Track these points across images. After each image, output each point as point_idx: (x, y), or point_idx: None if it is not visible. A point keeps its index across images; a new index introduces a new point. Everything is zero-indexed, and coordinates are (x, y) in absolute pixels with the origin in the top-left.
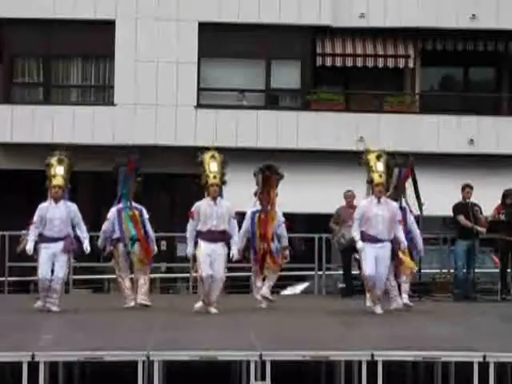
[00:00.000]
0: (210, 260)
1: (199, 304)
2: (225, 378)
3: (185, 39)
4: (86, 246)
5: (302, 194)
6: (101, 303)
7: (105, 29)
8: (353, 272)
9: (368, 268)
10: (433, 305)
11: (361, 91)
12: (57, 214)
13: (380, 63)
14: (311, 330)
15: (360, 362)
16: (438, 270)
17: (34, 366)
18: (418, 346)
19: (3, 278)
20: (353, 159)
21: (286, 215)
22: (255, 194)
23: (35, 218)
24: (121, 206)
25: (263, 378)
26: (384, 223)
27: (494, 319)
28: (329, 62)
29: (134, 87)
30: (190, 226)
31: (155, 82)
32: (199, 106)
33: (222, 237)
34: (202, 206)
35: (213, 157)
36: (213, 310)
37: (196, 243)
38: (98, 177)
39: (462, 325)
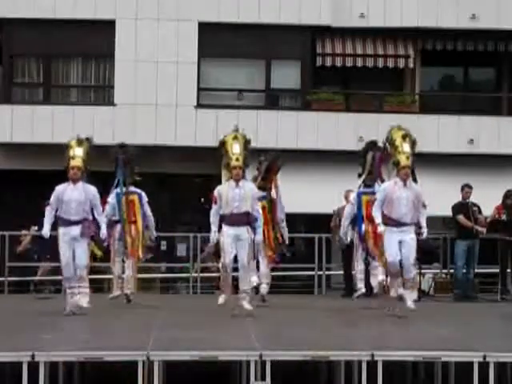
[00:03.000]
0: (235, 245)
1: (222, 297)
2: (225, 378)
3: (185, 39)
4: (103, 231)
5: (302, 194)
6: (101, 303)
7: (105, 29)
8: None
9: (390, 255)
10: (433, 305)
11: (361, 91)
12: (74, 195)
13: (380, 63)
14: (311, 330)
15: (360, 362)
16: (438, 270)
17: (33, 366)
18: (418, 346)
19: (3, 278)
20: (353, 159)
21: (286, 215)
22: (255, 180)
23: (51, 199)
24: (119, 190)
25: (263, 378)
26: (408, 206)
27: (494, 319)
28: (329, 62)
29: (134, 87)
30: (212, 211)
31: (155, 82)
32: (199, 105)
33: (246, 219)
34: (224, 189)
35: (235, 138)
36: (246, 304)
37: (220, 228)
38: (98, 177)
39: (462, 325)
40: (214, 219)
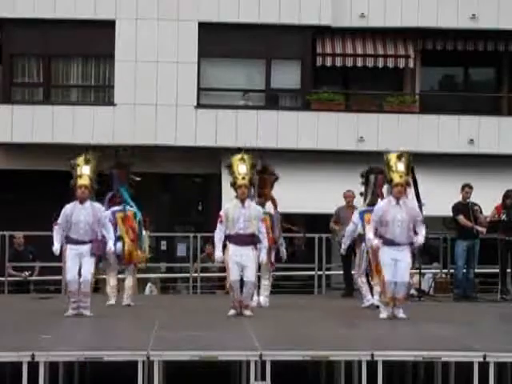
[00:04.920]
0: (241, 265)
1: (232, 311)
2: (225, 378)
3: (185, 39)
4: (110, 247)
5: (302, 194)
6: (100, 303)
7: (105, 29)
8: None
9: (387, 274)
10: (433, 305)
11: (361, 91)
12: (82, 216)
13: (380, 63)
14: (311, 330)
15: (360, 362)
16: (438, 270)
17: (34, 366)
18: (418, 346)
19: (3, 278)
20: (353, 159)
21: (286, 215)
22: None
23: (60, 220)
24: (116, 208)
25: (263, 378)
26: (402, 227)
27: (494, 319)
28: (329, 61)
29: (134, 87)
30: (218, 230)
31: (155, 82)
32: (199, 105)
33: (251, 240)
34: (230, 209)
35: (242, 159)
36: (247, 312)
37: (225, 247)
38: (98, 176)
39: (462, 325)
40: (218, 239)
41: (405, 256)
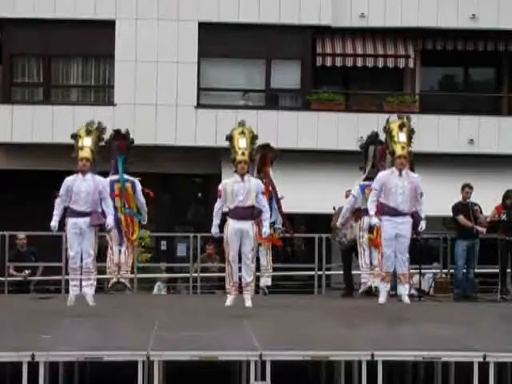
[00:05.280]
0: (240, 239)
1: (230, 298)
2: (225, 378)
3: (185, 39)
4: (109, 222)
5: (302, 194)
6: (100, 303)
7: (105, 29)
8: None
9: (386, 248)
10: (433, 305)
11: (361, 91)
12: (83, 186)
13: (380, 63)
14: (311, 330)
15: (360, 362)
16: (438, 270)
17: (34, 366)
18: (418, 346)
19: (3, 278)
20: (353, 159)
21: (286, 215)
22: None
23: (61, 191)
24: (115, 177)
25: (263, 378)
26: (405, 195)
27: (494, 319)
28: (329, 62)
29: (134, 87)
30: (217, 204)
31: (155, 82)
32: (199, 105)
33: (251, 213)
34: (229, 183)
35: (242, 133)
36: (248, 301)
37: (223, 222)
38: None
39: (462, 325)
40: (216, 213)
41: (406, 231)
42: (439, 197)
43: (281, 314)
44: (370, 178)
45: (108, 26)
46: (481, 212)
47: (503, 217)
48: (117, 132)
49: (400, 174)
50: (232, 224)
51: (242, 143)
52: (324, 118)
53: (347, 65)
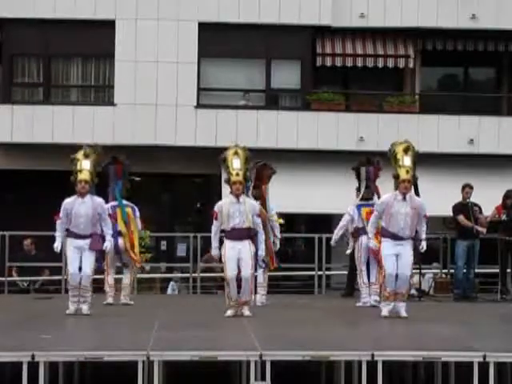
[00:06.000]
0: (237, 259)
1: (229, 311)
2: (225, 378)
3: (185, 39)
4: (107, 245)
5: (302, 194)
6: (100, 303)
7: (105, 29)
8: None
9: (388, 267)
10: (433, 305)
11: (361, 91)
12: (82, 210)
13: (380, 63)
14: (311, 329)
15: (360, 362)
16: (438, 270)
17: (34, 366)
18: (418, 346)
19: (3, 278)
20: (353, 159)
21: (286, 215)
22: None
23: (61, 214)
24: (115, 203)
25: (263, 378)
26: (406, 221)
27: (494, 319)
28: (329, 62)
29: (134, 87)
30: (213, 227)
31: (155, 82)
32: (199, 105)
33: (247, 233)
34: (224, 204)
35: (236, 153)
36: (246, 311)
37: (222, 243)
38: (98, 176)
39: (462, 325)
40: (214, 236)
41: (407, 251)
42: (439, 197)
43: (281, 313)
44: (366, 198)
45: (108, 25)
46: (481, 212)
47: (503, 217)
48: (114, 158)
49: (404, 199)
50: (229, 245)
51: (235, 164)
52: (324, 118)
53: (347, 65)
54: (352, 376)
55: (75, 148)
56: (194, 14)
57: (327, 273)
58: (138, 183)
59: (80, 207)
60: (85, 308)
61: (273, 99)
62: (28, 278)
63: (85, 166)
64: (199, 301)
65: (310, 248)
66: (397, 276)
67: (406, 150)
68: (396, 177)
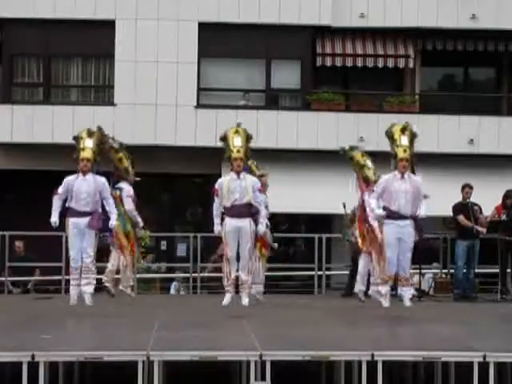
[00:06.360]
0: (237, 237)
1: (227, 297)
2: (225, 378)
3: (185, 39)
4: (112, 223)
5: (302, 194)
6: (101, 303)
7: (105, 29)
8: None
9: (389, 250)
10: (433, 305)
11: (361, 91)
12: (84, 186)
13: (380, 63)
14: (311, 329)
15: (360, 362)
16: (438, 270)
17: (34, 366)
18: (418, 345)
19: (3, 278)
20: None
21: (286, 215)
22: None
23: (60, 189)
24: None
25: (263, 378)
26: (407, 198)
27: (493, 319)
28: (329, 62)
29: (134, 87)
30: (214, 204)
31: (155, 82)
32: (199, 106)
33: (248, 210)
34: (225, 181)
35: (236, 132)
36: (245, 298)
37: (222, 220)
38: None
39: (462, 325)
40: (215, 213)
41: (408, 235)
42: (439, 197)
43: (281, 313)
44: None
45: (108, 25)
46: (481, 212)
47: (503, 217)
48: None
49: (402, 177)
50: (229, 222)
51: (236, 141)
52: (324, 118)
53: (347, 65)
54: (352, 376)
55: (75, 148)
56: (193, 14)
57: (327, 273)
58: (138, 183)
59: (82, 184)
60: (87, 291)
61: (273, 99)
62: (18, 279)
63: (87, 144)
64: (199, 301)
65: (309, 248)
66: (398, 259)
67: (403, 130)
68: (394, 156)
